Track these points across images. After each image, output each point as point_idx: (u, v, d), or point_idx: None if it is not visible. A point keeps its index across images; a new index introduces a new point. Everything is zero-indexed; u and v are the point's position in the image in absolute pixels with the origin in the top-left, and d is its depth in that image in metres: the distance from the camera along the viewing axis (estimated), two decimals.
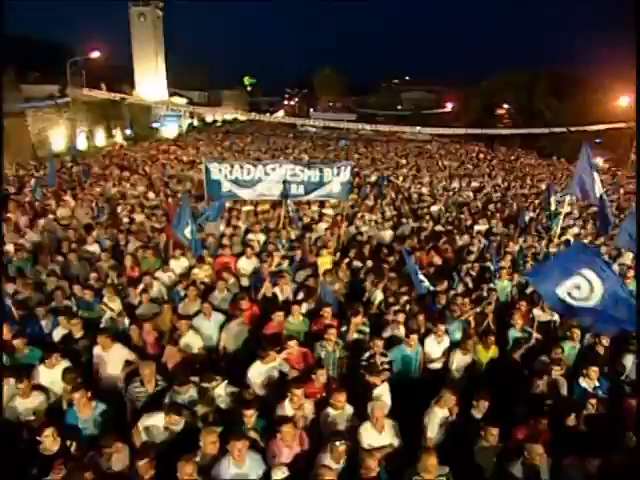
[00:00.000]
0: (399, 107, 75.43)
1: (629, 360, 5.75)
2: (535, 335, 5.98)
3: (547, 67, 47.59)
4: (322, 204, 11.82)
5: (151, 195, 13.35)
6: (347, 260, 8.23)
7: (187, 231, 7.70)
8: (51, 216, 10.47)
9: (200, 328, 5.87)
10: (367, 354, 5.32)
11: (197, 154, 24.45)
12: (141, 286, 6.73)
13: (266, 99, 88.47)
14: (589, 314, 5.03)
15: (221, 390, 4.68)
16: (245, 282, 7.69)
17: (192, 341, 5.63)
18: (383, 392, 4.86)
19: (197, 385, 4.61)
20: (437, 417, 4.51)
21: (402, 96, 79.54)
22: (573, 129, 33.39)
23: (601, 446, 4.28)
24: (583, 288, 5.02)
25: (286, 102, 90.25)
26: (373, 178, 18.20)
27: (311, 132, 49.00)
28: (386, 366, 5.33)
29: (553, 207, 11.98)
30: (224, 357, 5.86)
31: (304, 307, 6.34)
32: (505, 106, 49.70)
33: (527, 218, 11.88)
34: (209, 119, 59.11)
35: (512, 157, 33.88)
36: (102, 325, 5.97)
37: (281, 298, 6.93)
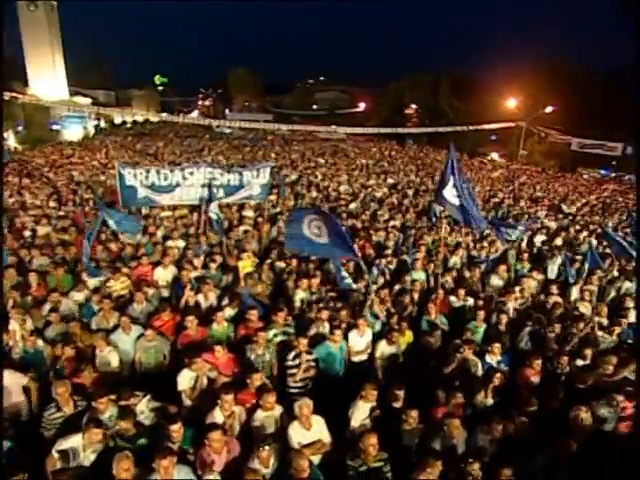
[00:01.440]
0: (314, 107, 76.62)
1: (525, 334, 6.49)
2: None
3: (449, 69, 51.27)
4: (242, 206, 11.75)
5: (54, 204, 12.29)
6: (269, 261, 8.28)
7: (112, 223, 7.36)
8: None
9: (119, 343, 5.61)
10: (292, 354, 5.40)
11: (107, 158, 22.96)
12: (48, 305, 6.23)
13: (179, 99, 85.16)
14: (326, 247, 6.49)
15: (143, 406, 4.52)
16: (165, 292, 7.44)
17: (110, 357, 5.38)
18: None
19: (117, 403, 4.41)
20: (361, 410, 4.71)
21: (317, 96, 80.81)
22: (472, 127, 36.64)
23: (504, 412, 4.82)
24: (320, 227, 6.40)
25: (200, 102, 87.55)
26: (293, 178, 18.42)
27: (227, 133, 48.15)
28: (312, 364, 5.46)
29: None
30: (144, 372, 5.65)
31: (228, 312, 6.29)
32: (413, 106, 52.66)
33: (438, 211, 12.74)
34: (118, 120, 55.58)
35: (422, 154, 36.10)
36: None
37: (205, 305, 6.82)
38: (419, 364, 5.97)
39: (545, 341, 6.55)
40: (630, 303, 7.72)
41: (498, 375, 5.30)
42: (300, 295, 6.98)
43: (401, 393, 4.87)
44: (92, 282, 7.16)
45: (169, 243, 9.00)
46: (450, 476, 4.07)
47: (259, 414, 4.52)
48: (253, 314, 6.02)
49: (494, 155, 40.21)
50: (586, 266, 8.54)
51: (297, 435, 4.32)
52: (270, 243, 9.86)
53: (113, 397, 4.46)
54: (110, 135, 42.15)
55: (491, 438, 4.55)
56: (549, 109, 36.95)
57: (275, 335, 5.84)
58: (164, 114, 50.81)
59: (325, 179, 19.09)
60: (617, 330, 6.83)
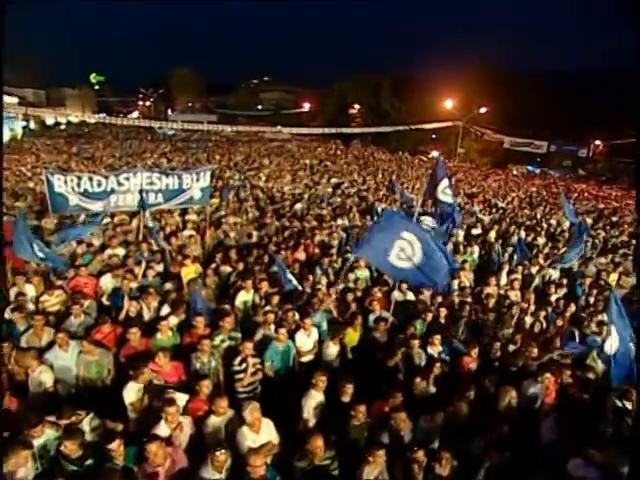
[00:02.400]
0: (259, 107, 76.10)
1: (462, 324, 6.87)
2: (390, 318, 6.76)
3: (391, 70, 52.83)
4: (185, 211, 11.51)
5: None
6: (214, 266, 8.19)
7: (37, 250, 6.90)
8: None
9: (57, 360, 5.31)
10: (239, 358, 5.39)
11: (37, 162, 21.56)
12: None
13: (118, 99, 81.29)
14: (412, 273, 6.04)
15: (86, 425, 4.33)
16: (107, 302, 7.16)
17: (43, 377, 5.07)
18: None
19: (55, 424, 4.20)
20: (314, 400, 4.83)
21: (262, 96, 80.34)
22: (413, 127, 38.11)
23: (445, 400, 5.10)
24: (406, 249, 5.96)
25: (141, 103, 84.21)
26: (236, 180, 18.23)
27: (170, 134, 46.70)
28: (259, 367, 5.48)
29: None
30: (86, 388, 5.41)
31: (172, 321, 6.18)
32: (356, 106, 53.64)
33: (379, 209, 13.14)
34: (50, 121, 52.21)
35: (366, 153, 36.95)
36: None
37: (148, 315, 6.63)
38: (366, 359, 6.17)
39: (481, 329, 6.99)
40: (553, 290, 8.39)
41: (438, 365, 5.60)
42: (244, 298, 6.96)
43: (350, 387, 4.99)
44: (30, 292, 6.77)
45: (108, 252, 8.67)
46: (397, 465, 4.27)
47: (212, 420, 4.48)
48: (199, 321, 5.93)
49: (434, 153, 42.06)
50: (515, 257, 9.17)
51: (247, 439, 4.33)
52: (214, 247, 9.74)
53: (52, 418, 4.24)
54: (41, 137, 39.59)
55: (434, 425, 4.80)
56: (483, 110, 39.23)
57: (222, 341, 5.80)
58: (101, 115, 48.31)
59: (270, 180, 19.08)
60: (542, 314, 7.40)
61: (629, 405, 4.84)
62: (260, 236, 10.47)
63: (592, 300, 8.30)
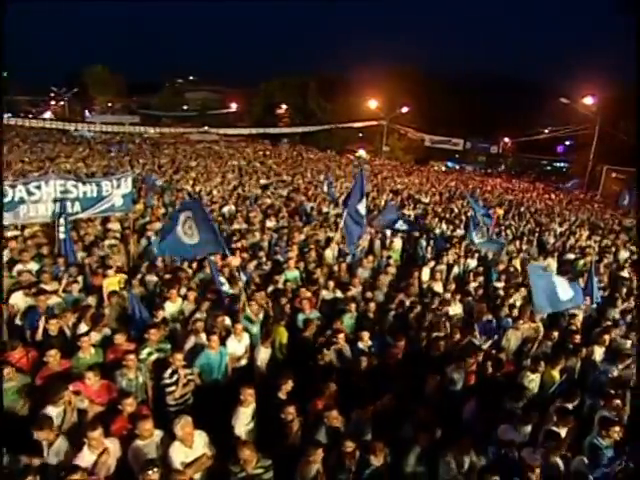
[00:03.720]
0: (185, 107, 73.59)
1: (389, 317, 7.19)
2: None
3: (317, 71, 53.66)
4: (106, 219, 10.90)
5: None
6: (139, 276, 7.87)
7: None
8: None
9: None
10: (169, 371, 5.23)
11: None
12: None
13: (27, 98, 74.27)
14: None
15: None
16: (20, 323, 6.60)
17: None
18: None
19: None
20: (242, 416, 4.78)
21: (187, 96, 77.67)
22: (340, 126, 39.04)
23: (375, 393, 5.32)
24: None
25: (53, 102, 77.76)
26: (162, 184, 17.55)
27: (88, 137, 43.68)
28: (190, 377, 5.36)
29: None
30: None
31: (94, 337, 5.85)
32: (283, 106, 53.73)
33: (308, 208, 13.32)
34: None
35: (294, 153, 37.17)
36: None
37: (70, 333, 6.22)
38: (298, 359, 6.27)
39: (407, 321, 7.36)
40: (472, 278, 9.03)
41: (365, 359, 5.83)
42: (172, 308, 6.77)
43: (286, 386, 5.07)
44: None
45: (19, 267, 7.98)
46: (331, 459, 4.39)
47: (137, 444, 4.23)
48: (119, 338, 5.65)
49: (361, 152, 43.42)
50: (434, 248, 9.75)
51: (179, 455, 4.19)
52: (139, 256, 9.34)
53: None
54: None
55: (365, 418, 4.97)
56: (405, 109, 41.10)
57: (149, 354, 5.58)
58: (7, 115, 43.99)
59: (197, 183, 18.58)
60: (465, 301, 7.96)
61: (570, 406, 5.30)
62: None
63: (502, 285, 9.01)
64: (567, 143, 45.93)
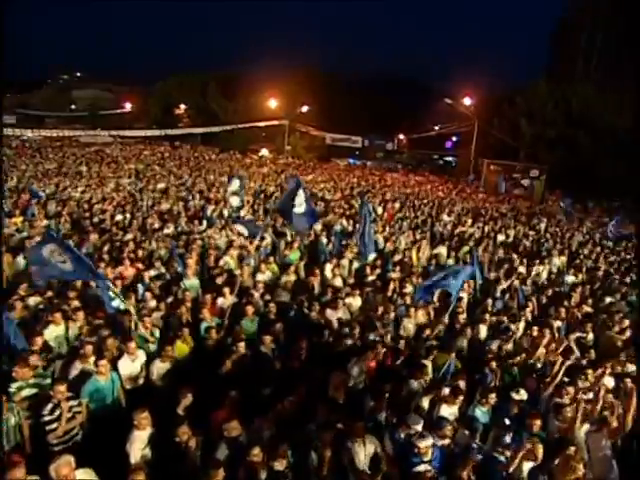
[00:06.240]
0: (73, 107, 67.38)
1: (291, 318, 7.25)
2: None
3: (217, 70, 52.25)
4: None
5: None
6: (16, 297, 7.03)
7: None
8: None
9: None
10: (49, 405, 4.68)
11: None
12: None
13: None
14: None
15: None
16: None
17: None
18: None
19: None
20: (138, 441, 4.51)
21: (74, 94, 71.28)
22: (241, 126, 38.60)
23: (279, 396, 5.31)
24: None
25: None
26: (47, 192, 15.85)
27: None
28: (77, 410, 4.88)
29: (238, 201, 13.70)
30: None
31: None
32: (183, 106, 51.65)
33: (209, 212, 12.96)
34: None
35: (195, 154, 35.94)
36: None
37: None
38: (201, 370, 6.05)
39: (310, 319, 7.46)
40: (369, 271, 9.43)
41: (268, 362, 5.82)
42: (54, 332, 6.16)
43: (185, 401, 4.89)
44: None
45: None
46: (240, 474, 4.27)
47: None
48: None
49: (264, 151, 43.34)
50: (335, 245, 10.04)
51: None
52: (15, 276, 8.35)
53: None
54: None
55: (268, 423, 4.92)
56: (305, 108, 41.84)
57: (19, 389, 4.92)
58: None
59: (88, 190, 17.10)
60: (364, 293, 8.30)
61: (524, 396, 5.62)
62: None
63: (397, 275, 9.52)
64: (454, 139, 50.34)
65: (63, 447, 4.64)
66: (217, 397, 5.27)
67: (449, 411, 5.30)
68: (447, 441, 4.80)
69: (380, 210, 16.51)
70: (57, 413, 4.70)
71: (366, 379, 6.18)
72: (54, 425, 4.68)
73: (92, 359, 5.55)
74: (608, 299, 9.85)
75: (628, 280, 11.28)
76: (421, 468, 4.38)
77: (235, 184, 13.53)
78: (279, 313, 7.29)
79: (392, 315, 7.75)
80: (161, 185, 18.73)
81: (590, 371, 6.21)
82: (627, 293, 10.33)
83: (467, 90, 38.27)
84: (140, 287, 7.55)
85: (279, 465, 4.31)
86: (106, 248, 9.58)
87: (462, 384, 5.67)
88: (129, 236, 10.79)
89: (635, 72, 38.72)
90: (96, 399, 5.24)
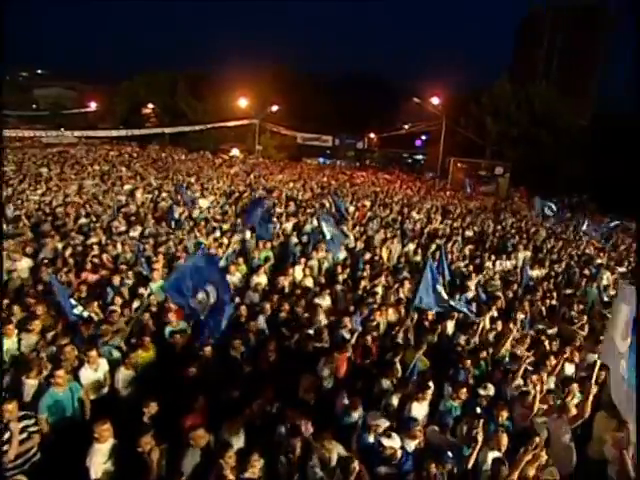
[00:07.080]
0: (34, 106, 64.75)
1: (261, 321, 7.16)
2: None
3: (186, 69, 51.12)
4: None
5: None
6: None
7: None
8: None
9: None
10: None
11: None
12: None
13: None
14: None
15: None
16: None
17: None
18: None
19: None
20: (99, 454, 4.35)
21: (36, 93, 68.50)
22: (210, 126, 38.07)
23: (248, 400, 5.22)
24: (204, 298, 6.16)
25: None
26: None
27: None
28: (32, 429, 4.62)
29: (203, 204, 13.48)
30: None
31: None
32: (150, 106, 50.45)
33: (177, 214, 12.69)
34: None
35: (163, 155, 35.15)
36: None
37: None
38: (168, 376, 5.89)
39: (280, 320, 7.40)
40: (340, 270, 9.43)
41: (238, 366, 5.72)
42: (7, 346, 5.85)
43: (149, 410, 4.76)
44: None
45: None
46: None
47: None
48: None
49: (235, 151, 42.87)
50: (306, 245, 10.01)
51: None
52: None
53: None
54: None
55: (237, 427, 4.83)
56: (275, 108, 41.60)
57: None
58: None
59: (49, 193, 16.43)
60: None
61: (491, 391, 5.74)
62: (35, 263, 8.92)
63: (368, 274, 9.57)
64: (423, 138, 51.07)
65: (18, 471, 4.37)
66: (185, 403, 5.15)
67: (419, 408, 5.34)
68: (417, 441, 4.81)
69: (352, 209, 16.52)
70: (6, 436, 4.40)
71: (336, 379, 6.14)
72: (4, 448, 4.37)
73: (47, 371, 5.29)
74: (568, 291, 10.21)
75: (587, 272, 11.69)
76: (384, 470, 4.38)
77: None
78: (249, 315, 7.19)
79: (363, 314, 7.76)
80: (128, 187, 18.20)
81: (552, 359, 6.42)
82: (587, 285, 10.72)
83: (435, 89, 38.93)
84: (110, 291, 7.30)
85: (252, 472, 4.22)
86: (68, 252, 9.21)
87: (430, 381, 5.72)
88: (93, 239, 10.45)
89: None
90: (55, 412, 5.01)
